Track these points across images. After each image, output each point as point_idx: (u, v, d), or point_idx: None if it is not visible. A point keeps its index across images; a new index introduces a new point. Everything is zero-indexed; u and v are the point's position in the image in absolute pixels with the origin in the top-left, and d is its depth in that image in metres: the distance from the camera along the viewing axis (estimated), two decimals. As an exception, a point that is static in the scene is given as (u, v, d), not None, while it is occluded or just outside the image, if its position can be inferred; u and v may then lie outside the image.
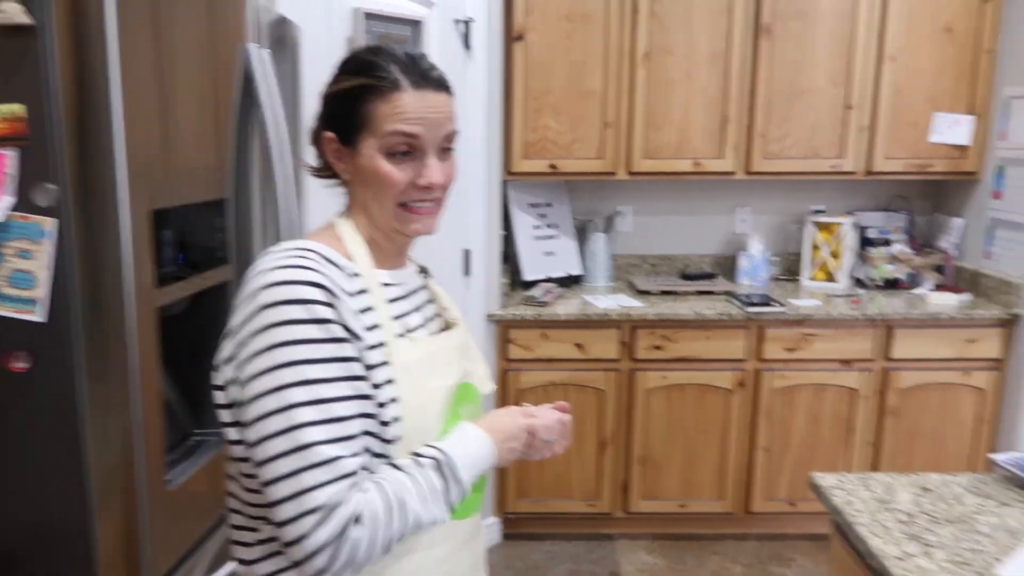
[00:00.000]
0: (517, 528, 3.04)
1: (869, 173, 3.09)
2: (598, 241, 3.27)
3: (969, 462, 2.96)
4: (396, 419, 0.96)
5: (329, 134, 1.02)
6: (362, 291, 0.98)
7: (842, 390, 2.92)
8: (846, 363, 2.91)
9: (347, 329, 0.92)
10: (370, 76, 0.98)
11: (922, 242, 3.39)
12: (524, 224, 3.22)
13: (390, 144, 0.98)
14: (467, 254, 2.73)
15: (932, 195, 3.42)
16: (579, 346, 2.89)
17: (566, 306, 2.92)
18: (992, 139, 3.06)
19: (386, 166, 0.99)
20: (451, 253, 2.68)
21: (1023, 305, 2.85)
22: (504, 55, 2.93)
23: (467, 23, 2.52)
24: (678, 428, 2.94)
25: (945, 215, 3.33)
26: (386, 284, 1.05)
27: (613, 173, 3.04)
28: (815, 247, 3.27)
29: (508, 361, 2.89)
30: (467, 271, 2.74)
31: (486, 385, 1.17)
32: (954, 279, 3.21)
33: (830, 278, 3.25)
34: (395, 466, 0.95)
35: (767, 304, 2.89)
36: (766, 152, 3.04)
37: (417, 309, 1.10)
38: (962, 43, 3.00)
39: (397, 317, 1.03)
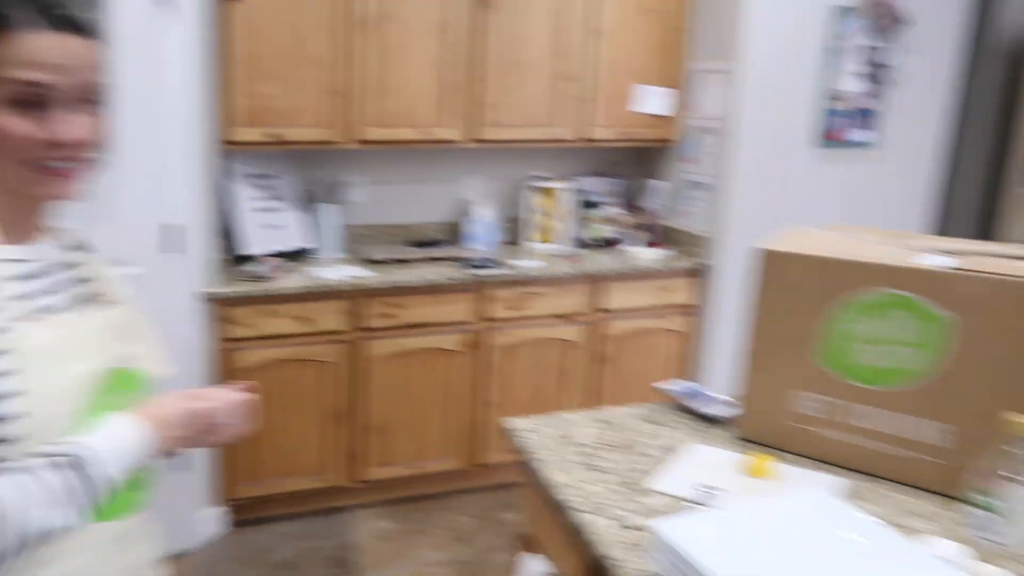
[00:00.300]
0: (245, 515, 2.89)
1: (586, 141, 3.29)
2: (327, 213, 3.17)
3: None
4: (17, 416, 0.82)
5: None
6: None
7: (562, 343, 3.10)
8: (564, 317, 3.09)
9: None
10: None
11: (633, 204, 3.69)
12: (244, 197, 3.03)
13: (13, 93, 0.84)
14: (167, 229, 2.50)
15: (641, 161, 3.73)
16: (305, 320, 2.78)
17: (291, 280, 2.80)
18: (685, 109, 3.39)
19: (5, 118, 0.84)
20: (147, 229, 2.45)
21: (711, 256, 3.21)
22: (218, 14, 2.70)
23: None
24: (409, 393, 2.95)
25: (651, 179, 3.65)
26: (11, 260, 0.90)
27: (339, 142, 2.95)
28: (538, 212, 3.43)
29: (227, 341, 2.71)
30: (168, 247, 2.51)
31: (159, 369, 1.05)
32: (661, 237, 3.54)
33: (552, 240, 3.43)
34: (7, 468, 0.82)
35: (491, 267, 2.98)
36: (491, 121, 3.11)
37: (59, 289, 0.95)
38: (661, 22, 3.27)
39: (24, 297, 0.89)
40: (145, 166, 2.38)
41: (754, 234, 3.15)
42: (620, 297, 3.15)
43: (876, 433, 1.31)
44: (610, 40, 3.19)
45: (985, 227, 4.17)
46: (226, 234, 2.96)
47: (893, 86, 3.32)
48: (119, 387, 0.97)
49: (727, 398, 1.58)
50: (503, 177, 3.54)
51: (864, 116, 3.31)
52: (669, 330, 3.24)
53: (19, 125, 0.84)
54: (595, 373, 3.19)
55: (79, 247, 1.04)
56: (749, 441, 1.45)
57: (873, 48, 3.25)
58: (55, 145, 0.86)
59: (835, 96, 3.24)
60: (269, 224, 3.08)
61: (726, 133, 3.14)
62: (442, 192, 3.48)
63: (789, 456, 1.40)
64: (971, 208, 4.19)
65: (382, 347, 2.88)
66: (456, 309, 2.94)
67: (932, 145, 3.45)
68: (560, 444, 1.45)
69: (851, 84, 3.26)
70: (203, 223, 2.63)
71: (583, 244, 3.47)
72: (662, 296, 3.21)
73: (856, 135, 3.31)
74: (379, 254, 3.13)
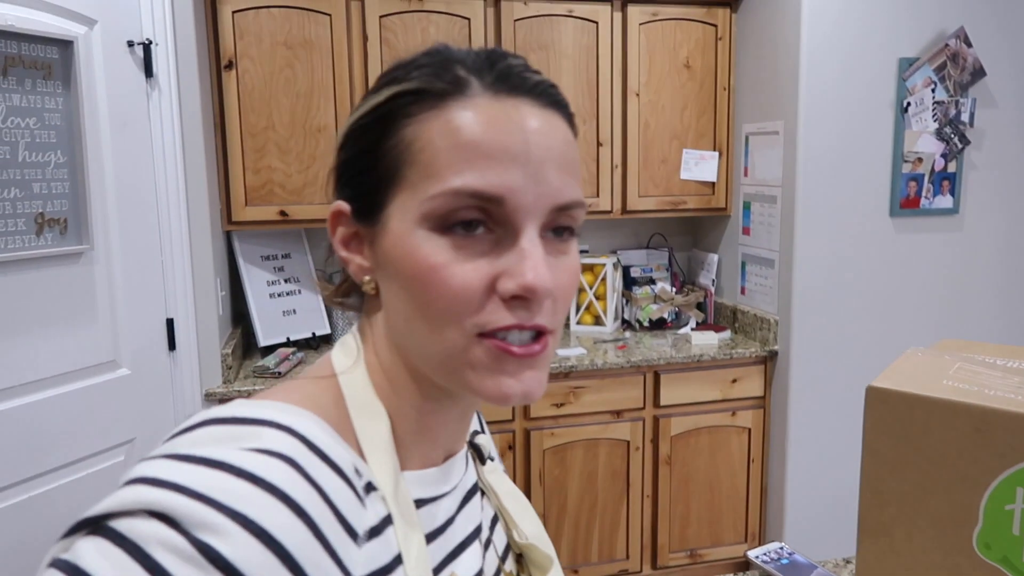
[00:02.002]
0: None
1: (625, 211, 2.99)
2: (347, 295, 2.90)
3: (744, 505, 2.89)
4: None
5: (339, 205, 0.56)
6: (384, 523, 0.51)
7: (615, 442, 2.74)
8: (617, 414, 2.74)
9: None
10: (420, 75, 0.53)
11: (683, 279, 3.36)
12: (256, 280, 2.78)
13: (442, 208, 0.50)
14: (171, 324, 2.24)
15: (690, 232, 3.41)
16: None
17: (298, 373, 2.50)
18: (737, 175, 3.07)
19: (437, 253, 0.50)
20: (153, 327, 2.18)
21: (778, 341, 2.84)
22: (214, 86, 2.50)
23: (146, 46, 2.06)
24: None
25: (703, 251, 3.32)
26: (428, 500, 0.57)
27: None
28: (580, 289, 3.12)
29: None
30: (172, 345, 2.25)
31: None
32: (715, 316, 3.19)
33: (598, 321, 3.10)
34: None
35: (528, 358, 2.66)
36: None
37: (472, 535, 0.61)
38: (701, 80, 2.99)
39: (436, 569, 0.56)
40: (144, 256, 2.13)
41: (827, 314, 2.82)
42: (679, 389, 2.78)
43: (1069, 657, 0.94)
44: (643, 100, 2.91)
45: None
46: (242, 321, 2.70)
47: (971, 145, 2.96)
48: None
49: (828, 572, 1.22)
50: (540, 253, 3.24)
51: (942, 179, 2.95)
52: (735, 426, 2.86)
53: (466, 267, 0.50)
54: (653, 477, 2.80)
55: (476, 451, 0.68)
56: (874, 642, 1.08)
57: (946, 103, 2.91)
58: (518, 298, 0.50)
59: (909, 158, 2.89)
60: (284, 309, 2.82)
61: (784, 200, 2.80)
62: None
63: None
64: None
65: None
66: (490, 409, 2.62)
67: (1019, 208, 3.06)
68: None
69: (926, 144, 2.91)
70: (206, 314, 2.37)
71: (630, 325, 3.14)
72: (727, 388, 2.83)
73: (935, 202, 2.94)
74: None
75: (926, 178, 2.93)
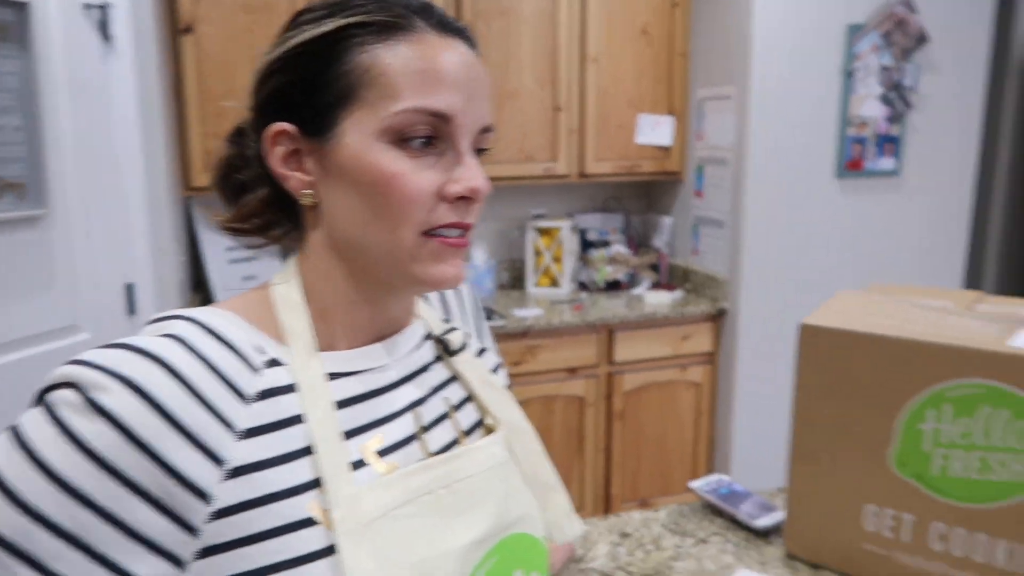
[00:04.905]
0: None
1: (582, 176, 3.05)
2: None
3: (692, 458, 3.01)
4: None
5: (281, 125, 0.64)
6: (282, 389, 0.61)
7: (570, 399, 2.83)
8: (572, 371, 2.82)
9: (167, 467, 0.54)
10: (366, 11, 0.61)
11: (639, 242, 3.44)
12: (215, 246, 2.79)
13: (402, 124, 0.60)
14: (130, 289, 2.25)
15: (644, 195, 3.49)
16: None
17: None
18: (691, 140, 3.15)
19: (396, 162, 0.61)
20: (111, 291, 2.19)
21: (727, 299, 2.94)
22: (173, 50, 2.49)
23: (103, 8, 2.05)
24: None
25: (657, 214, 3.40)
26: (344, 374, 0.66)
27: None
28: (538, 253, 3.18)
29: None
30: (132, 310, 2.26)
31: (562, 530, 0.78)
32: (668, 277, 3.28)
33: (555, 283, 3.17)
34: None
35: (488, 318, 2.73)
36: (485, 157, 2.87)
37: (409, 409, 0.70)
38: (658, 46, 3.04)
39: (355, 431, 0.65)
40: (103, 221, 2.13)
41: (774, 273, 2.94)
42: (632, 347, 2.87)
43: (969, 563, 1.04)
44: (601, 66, 2.96)
45: (1021, 255, 3.91)
46: (200, 287, 2.71)
47: (914, 109, 3.07)
48: (515, 565, 0.68)
49: (766, 501, 1.32)
50: (499, 217, 3.30)
51: (886, 142, 3.07)
52: (685, 381, 2.97)
53: (418, 173, 0.61)
54: (607, 432, 2.91)
55: (440, 343, 0.78)
56: (802, 560, 1.18)
57: (891, 68, 3.02)
58: (464, 199, 0.64)
59: (854, 122, 3.00)
60: (245, 275, 2.84)
61: (736, 164, 2.89)
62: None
63: (855, 581, 1.13)
64: (1006, 235, 3.92)
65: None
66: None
67: (959, 170, 3.20)
68: (572, 572, 1.18)
69: (870, 108, 3.02)
70: (166, 281, 2.38)
71: (586, 287, 3.22)
72: (678, 345, 2.93)
73: (878, 163, 3.06)
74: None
75: (870, 141, 3.04)
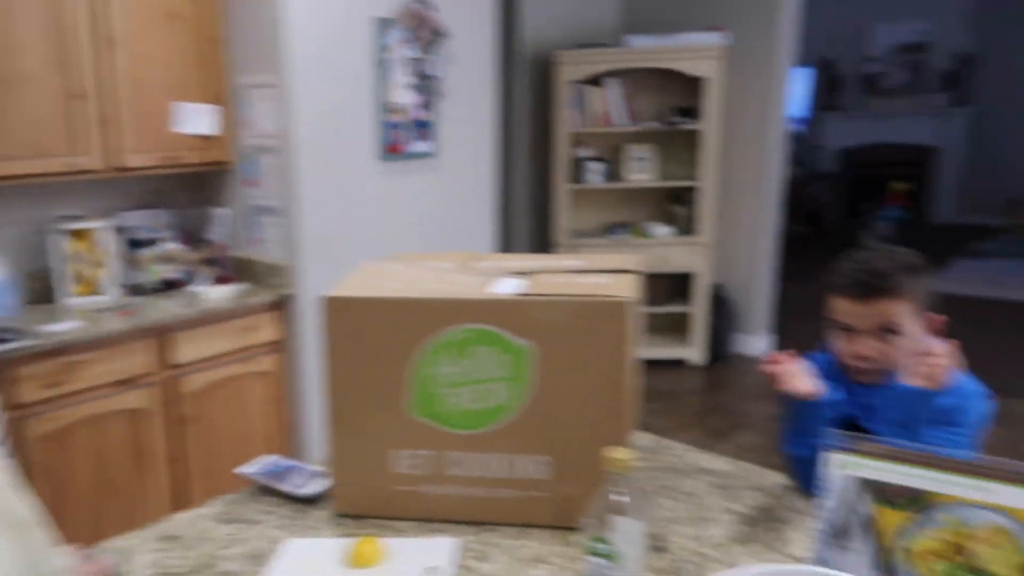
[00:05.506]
0: None
1: (119, 170, 2.77)
2: None
3: (274, 447, 2.98)
4: None
5: None
6: None
7: (127, 413, 2.58)
8: (125, 383, 2.58)
9: None
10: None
11: (195, 237, 3.26)
12: None
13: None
14: None
15: (196, 188, 3.31)
16: None
17: None
18: (237, 128, 3.07)
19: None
20: None
21: (291, 286, 2.96)
22: None
23: None
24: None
25: (211, 207, 3.26)
26: None
27: None
28: (72, 258, 2.81)
29: None
30: None
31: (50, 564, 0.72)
32: (232, 271, 3.17)
33: (96, 290, 2.85)
34: None
35: (9, 339, 2.34)
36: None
37: None
38: (192, 30, 2.89)
39: None
40: None
41: (331, 255, 3.04)
42: (194, 347, 2.72)
43: (480, 480, 1.21)
44: (129, 50, 2.72)
45: (541, 221, 4.62)
46: None
47: (442, 97, 3.41)
48: None
49: (319, 468, 1.37)
50: (16, 222, 2.84)
51: (420, 127, 3.36)
52: (258, 373, 2.92)
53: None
54: (178, 440, 2.72)
55: None
56: (348, 516, 1.25)
57: (418, 60, 3.30)
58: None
59: (391, 109, 3.22)
60: None
61: (285, 151, 2.91)
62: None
63: (397, 524, 1.23)
64: (527, 206, 4.60)
65: None
66: (-37, 403, 2.24)
67: (485, 151, 3.65)
68: (108, 590, 1.08)
69: (404, 96, 3.27)
70: None
71: (139, 291, 2.95)
72: (243, 337, 2.86)
73: (415, 147, 3.34)
74: None
75: (406, 127, 3.30)
